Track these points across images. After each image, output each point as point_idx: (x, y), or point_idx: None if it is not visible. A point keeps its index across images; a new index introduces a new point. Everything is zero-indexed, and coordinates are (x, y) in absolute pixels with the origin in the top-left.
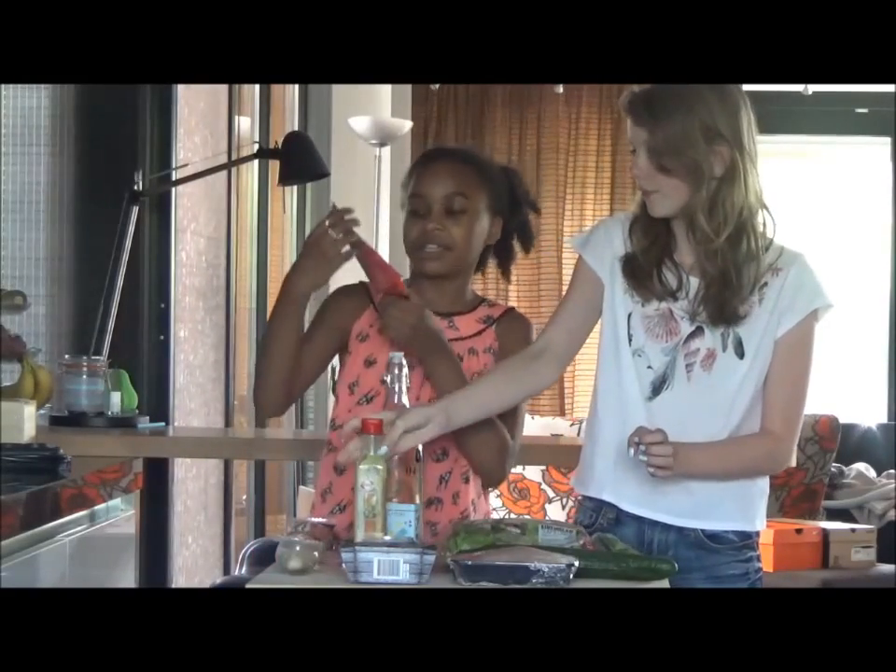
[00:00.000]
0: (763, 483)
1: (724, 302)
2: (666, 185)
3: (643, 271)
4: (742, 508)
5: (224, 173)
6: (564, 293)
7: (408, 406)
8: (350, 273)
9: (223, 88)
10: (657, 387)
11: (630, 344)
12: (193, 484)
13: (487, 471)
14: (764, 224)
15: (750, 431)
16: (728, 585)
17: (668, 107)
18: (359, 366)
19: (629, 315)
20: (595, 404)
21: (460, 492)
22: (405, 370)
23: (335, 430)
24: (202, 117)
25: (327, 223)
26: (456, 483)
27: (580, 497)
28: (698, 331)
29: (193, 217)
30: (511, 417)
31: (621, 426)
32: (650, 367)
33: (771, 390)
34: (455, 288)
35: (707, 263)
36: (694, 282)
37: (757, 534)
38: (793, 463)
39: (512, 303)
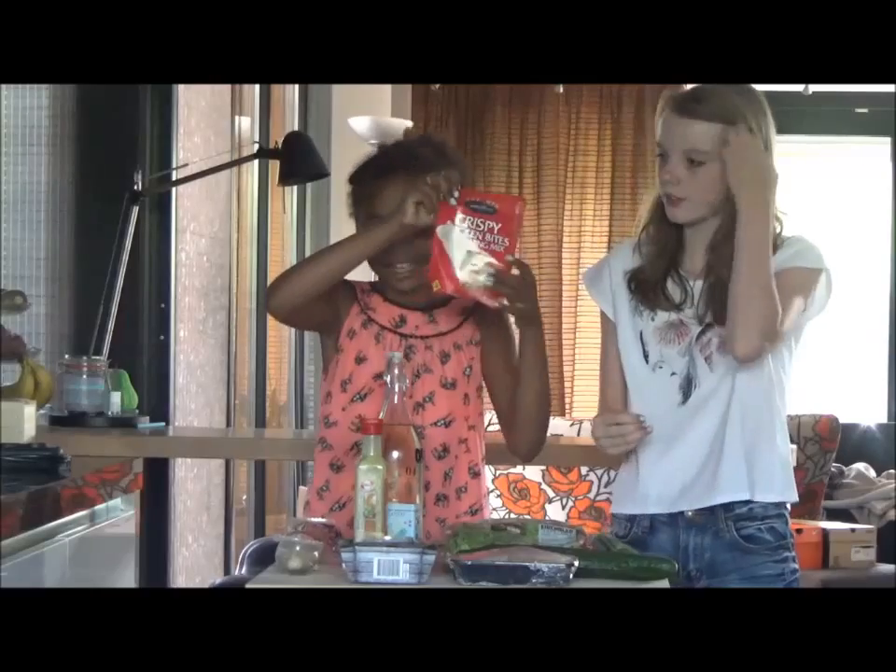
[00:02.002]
0: (785, 452)
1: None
2: (698, 193)
3: (649, 283)
4: (761, 479)
5: (226, 173)
6: (564, 290)
7: (405, 406)
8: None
9: (224, 88)
10: (686, 391)
11: (647, 361)
12: (194, 485)
13: (534, 447)
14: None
15: (776, 395)
16: (764, 586)
17: (738, 105)
18: (351, 363)
19: (640, 334)
20: None
21: (467, 486)
22: (404, 369)
23: (329, 428)
24: (202, 116)
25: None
26: (462, 478)
27: (613, 512)
28: (708, 327)
29: (193, 217)
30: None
31: (652, 438)
32: (673, 374)
33: None
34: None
35: (723, 269)
36: (699, 284)
37: (792, 535)
38: (750, 358)
39: None
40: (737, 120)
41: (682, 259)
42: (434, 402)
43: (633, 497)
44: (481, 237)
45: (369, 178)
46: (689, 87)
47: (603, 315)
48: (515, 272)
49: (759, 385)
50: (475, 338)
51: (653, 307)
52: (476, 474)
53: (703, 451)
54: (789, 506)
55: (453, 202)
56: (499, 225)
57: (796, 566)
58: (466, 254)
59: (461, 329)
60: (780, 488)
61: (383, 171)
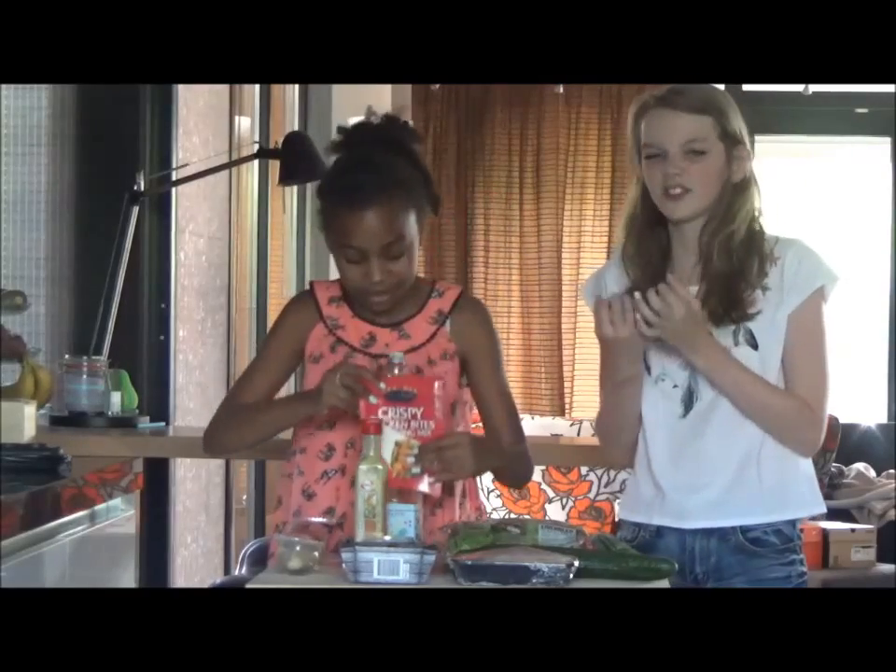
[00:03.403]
0: (806, 467)
1: (730, 301)
2: (701, 183)
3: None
4: (784, 498)
5: (225, 173)
6: (564, 290)
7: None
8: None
9: (223, 88)
10: (688, 403)
11: (650, 374)
12: (193, 485)
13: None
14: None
15: None
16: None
17: (721, 98)
18: None
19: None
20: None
21: (442, 503)
22: (405, 370)
23: (298, 455)
24: (201, 117)
25: (338, 378)
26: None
27: (620, 518)
28: None
29: (192, 218)
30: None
31: (656, 450)
32: (675, 386)
33: (790, 367)
34: (404, 294)
35: (720, 262)
36: (693, 290)
37: (800, 536)
38: (818, 445)
39: (514, 303)
40: (724, 112)
41: (672, 266)
42: None
43: (639, 505)
44: (406, 425)
45: (340, 208)
46: (664, 87)
47: None
48: (445, 443)
49: None
50: (449, 351)
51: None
52: (450, 492)
53: (708, 467)
54: None
55: (373, 400)
56: (421, 409)
57: (804, 569)
58: (394, 446)
59: (434, 342)
60: (805, 506)
61: (354, 205)
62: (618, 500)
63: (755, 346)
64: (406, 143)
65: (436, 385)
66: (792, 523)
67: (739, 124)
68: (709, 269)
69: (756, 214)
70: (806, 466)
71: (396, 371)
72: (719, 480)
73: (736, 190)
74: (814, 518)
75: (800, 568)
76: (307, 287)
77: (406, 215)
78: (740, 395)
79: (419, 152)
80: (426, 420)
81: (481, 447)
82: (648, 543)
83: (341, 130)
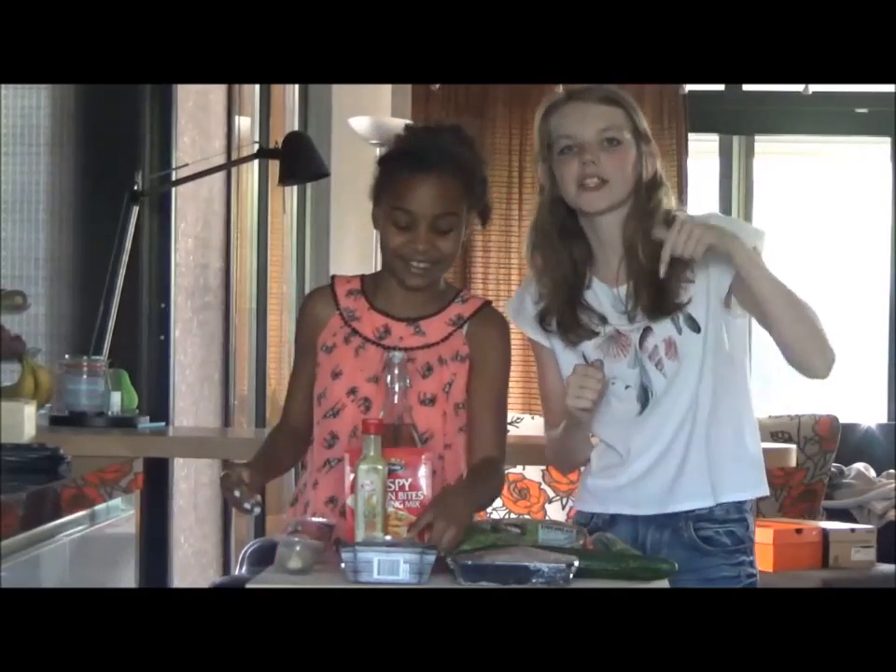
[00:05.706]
0: (754, 451)
1: (660, 294)
2: (618, 174)
3: (559, 322)
4: (727, 483)
5: (220, 173)
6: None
7: (408, 406)
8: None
9: (214, 87)
10: (644, 401)
11: None
12: (185, 484)
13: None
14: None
15: (733, 392)
16: (720, 587)
17: (628, 97)
18: (327, 378)
19: (583, 356)
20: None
21: None
22: (406, 370)
23: (310, 447)
24: (190, 116)
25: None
26: None
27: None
28: (647, 331)
29: (182, 218)
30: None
31: (614, 445)
32: (628, 387)
33: (771, 327)
34: (431, 289)
35: (645, 257)
36: (621, 290)
37: (751, 539)
38: (827, 365)
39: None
40: (634, 108)
41: (597, 269)
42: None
43: (595, 496)
44: (394, 496)
45: (400, 171)
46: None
47: (532, 340)
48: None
49: (718, 385)
50: (462, 353)
51: (582, 337)
52: None
53: (667, 458)
54: (751, 508)
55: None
56: (409, 481)
57: (754, 570)
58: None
59: (449, 342)
60: (749, 487)
61: (416, 169)
62: None
63: (697, 329)
64: (470, 144)
65: (423, 457)
66: (746, 525)
67: (645, 125)
68: (635, 265)
69: (671, 209)
70: (754, 447)
71: (395, 371)
72: (672, 467)
73: (650, 187)
74: (813, 517)
75: (749, 570)
76: (329, 280)
77: (461, 195)
78: (783, 293)
79: (481, 160)
80: (414, 492)
81: (465, 503)
82: (600, 530)
83: (409, 128)
